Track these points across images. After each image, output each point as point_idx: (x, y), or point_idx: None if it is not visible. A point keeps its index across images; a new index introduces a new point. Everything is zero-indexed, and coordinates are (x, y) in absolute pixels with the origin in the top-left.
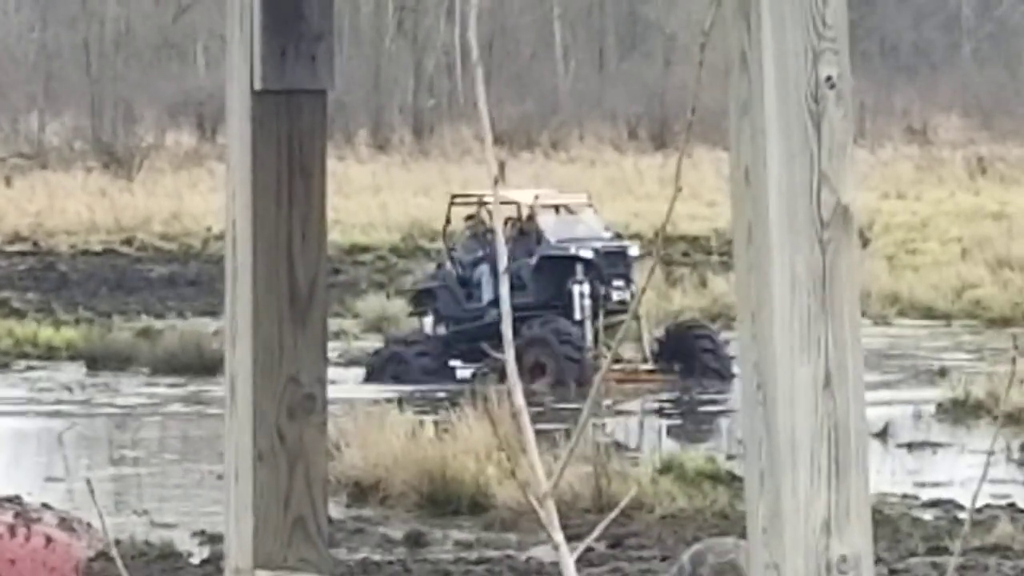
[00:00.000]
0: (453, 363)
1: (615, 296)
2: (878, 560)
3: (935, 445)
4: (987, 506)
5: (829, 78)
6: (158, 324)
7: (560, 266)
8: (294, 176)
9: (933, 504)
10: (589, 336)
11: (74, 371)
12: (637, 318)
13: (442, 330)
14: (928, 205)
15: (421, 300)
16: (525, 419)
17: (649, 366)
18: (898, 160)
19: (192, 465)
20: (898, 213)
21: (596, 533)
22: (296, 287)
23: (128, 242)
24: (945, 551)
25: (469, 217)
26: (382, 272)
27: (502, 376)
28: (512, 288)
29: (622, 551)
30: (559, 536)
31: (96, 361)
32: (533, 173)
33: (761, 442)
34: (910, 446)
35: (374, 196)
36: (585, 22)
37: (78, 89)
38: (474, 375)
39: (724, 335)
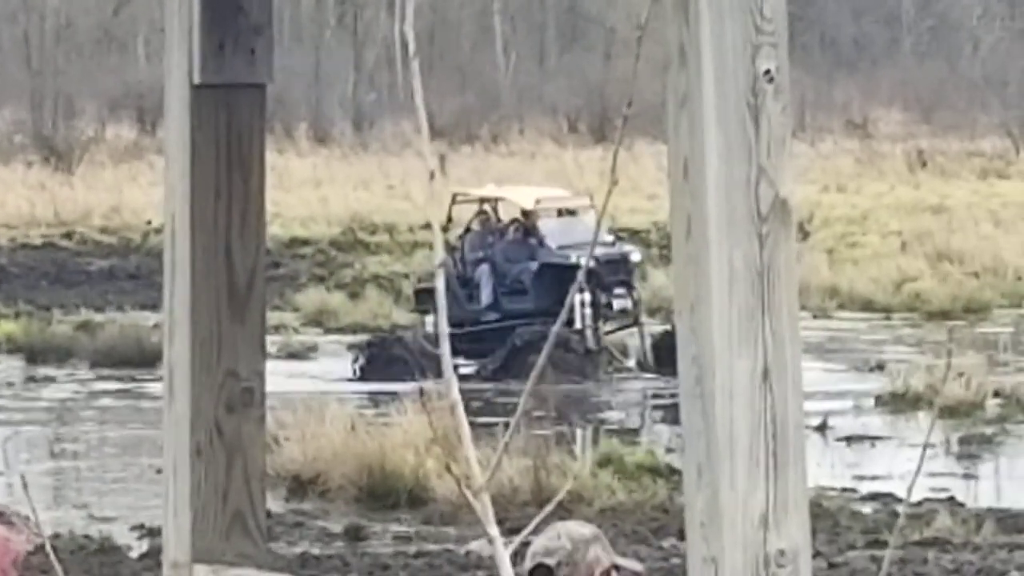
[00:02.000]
0: (456, 364)
1: (616, 304)
2: (817, 554)
3: (874, 438)
4: (926, 499)
5: (768, 72)
6: (98, 318)
7: (561, 274)
8: (233, 170)
9: (872, 497)
10: (591, 344)
11: (13, 364)
12: (638, 324)
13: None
14: (868, 199)
15: (422, 299)
16: (461, 413)
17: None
18: (838, 154)
19: (131, 459)
20: (838, 206)
21: (531, 526)
22: (234, 281)
23: (68, 236)
24: (884, 544)
25: (479, 213)
26: (322, 265)
27: (496, 375)
28: (513, 293)
29: None
30: (494, 530)
31: (36, 355)
32: (473, 167)
33: (699, 436)
34: (849, 439)
35: (314, 189)
36: (525, 15)
37: (18, 82)
38: (478, 372)
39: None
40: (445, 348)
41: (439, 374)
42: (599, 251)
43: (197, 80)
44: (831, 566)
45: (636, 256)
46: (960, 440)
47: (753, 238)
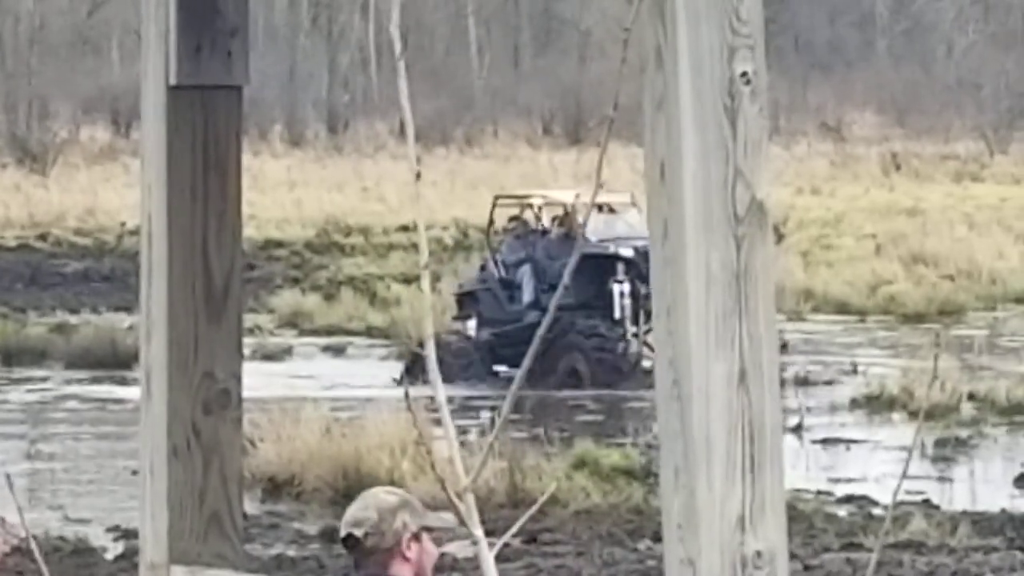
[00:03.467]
0: (497, 367)
1: None
2: (793, 556)
3: (849, 441)
4: (901, 502)
5: (744, 74)
6: (72, 319)
7: (600, 265)
8: (209, 171)
9: (847, 500)
10: (630, 334)
11: None
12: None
13: (485, 334)
14: (842, 201)
15: (464, 303)
16: (446, 415)
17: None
18: (813, 156)
19: (107, 460)
20: (812, 209)
21: (515, 528)
22: (211, 282)
23: (43, 237)
24: (859, 547)
25: (513, 218)
26: (297, 267)
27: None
28: (552, 288)
29: (536, 546)
30: (479, 531)
31: (10, 356)
32: (448, 169)
33: (676, 438)
34: (825, 442)
35: (289, 191)
36: (500, 18)
37: None
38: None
39: None
40: (430, 348)
41: (478, 377)
42: (639, 243)
43: (173, 82)
44: (806, 568)
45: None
46: (935, 443)
47: (730, 240)
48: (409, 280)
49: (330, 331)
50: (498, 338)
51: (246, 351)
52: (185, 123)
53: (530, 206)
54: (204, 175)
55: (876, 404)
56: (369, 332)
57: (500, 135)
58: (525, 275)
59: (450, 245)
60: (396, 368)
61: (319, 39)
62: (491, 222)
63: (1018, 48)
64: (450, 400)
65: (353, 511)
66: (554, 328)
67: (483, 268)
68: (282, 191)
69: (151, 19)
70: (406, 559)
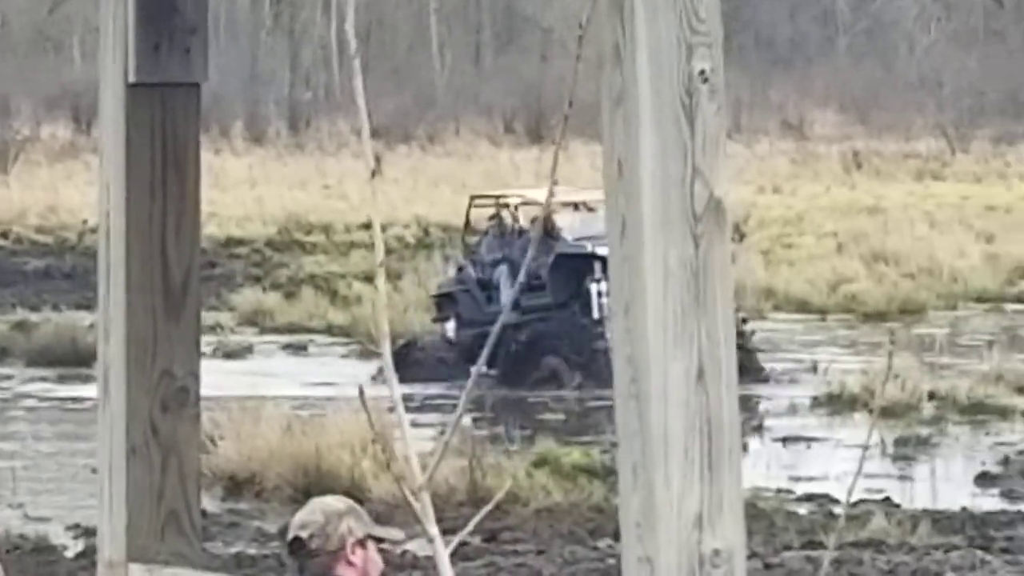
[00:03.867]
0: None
1: None
2: (753, 554)
3: (810, 439)
4: (862, 500)
5: (702, 72)
6: (33, 317)
7: (577, 264)
8: (168, 169)
9: (808, 498)
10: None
11: None
12: None
13: (464, 335)
14: (803, 200)
15: (442, 305)
16: (402, 412)
17: None
18: (773, 155)
19: (67, 458)
20: (773, 207)
21: (471, 526)
22: (170, 280)
23: (4, 235)
24: (820, 545)
25: (491, 217)
26: (258, 265)
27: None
28: (531, 289)
29: (497, 545)
30: (434, 529)
31: None
32: (410, 167)
33: (635, 436)
34: (785, 440)
35: (250, 189)
36: (462, 16)
37: None
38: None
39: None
40: (385, 348)
41: (458, 378)
42: None
43: (132, 79)
44: (767, 567)
45: None
46: (896, 441)
47: (688, 238)
48: (370, 278)
49: (291, 329)
50: (477, 339)
51: (207, 349)
52: (144, 121)
53: (507, 206)
54: (163, 173)
55: (837, 402)
56: (330, 330)
57: (462, 133)
58: (502, 275)
59: (412, 243)
60: (358, 366)
61: (281, 36)
62: (467, 223)
63: (980, 46)
64: (428, 401)
65: (300, 515)
66: (532, 328)
67: (461, 269)
68: (243, 189)
69: (110, 17)
70: (351, 564)
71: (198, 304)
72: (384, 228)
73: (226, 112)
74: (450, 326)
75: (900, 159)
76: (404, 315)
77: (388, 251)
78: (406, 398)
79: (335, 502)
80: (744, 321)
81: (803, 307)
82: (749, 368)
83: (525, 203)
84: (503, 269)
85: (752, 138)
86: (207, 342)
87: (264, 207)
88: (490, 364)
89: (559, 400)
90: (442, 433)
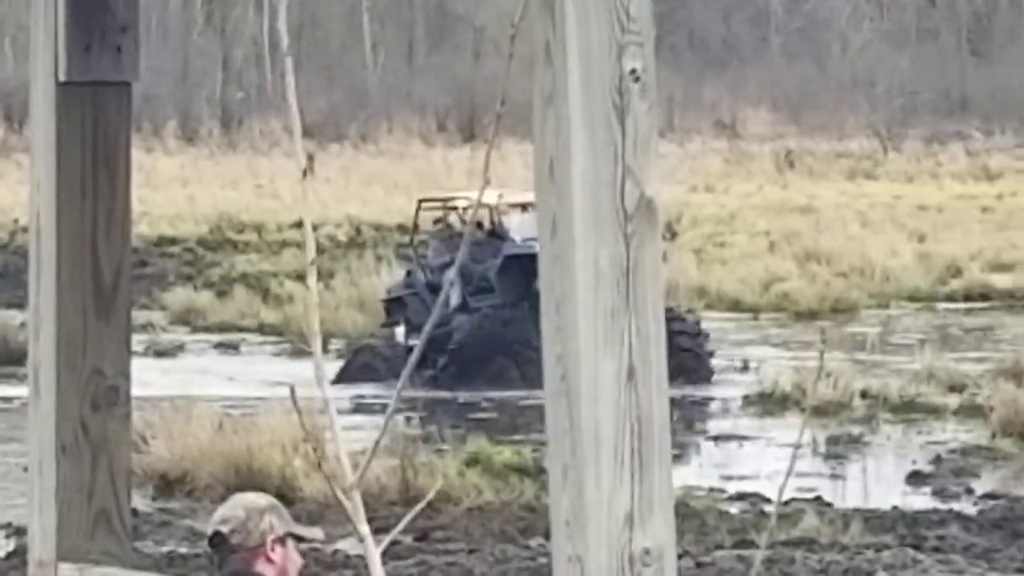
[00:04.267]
0: (427, 372)
1: None
2: (685, 553)
3: (742, 438)
4: (793, 499)
5: (633, 71)
6: None
7: (525, 265)
8: (98, 168)
9: (740, 497)
10: None
11: None
12: None
13: (414, 340)
14: (736, 199)
15: (392, 309)
16: (333, 412)
17: None
18: (707, 154)
19: None
20: (706, 206)
21: (401, 525)
22: (100, 279)
23: None
24: (751, 544)
25: (437, 221)
26: (190, 264)
27: (453, 377)
28: (481, 291)
29: (428, 544)
30: (365, 528)
31: None
32: (342, 166)
33: (565, 435)
34: (717, 439)
35: (182, 188)
36: (394, 14)
37: None
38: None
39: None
40: (316, 347)
41: (408, 381)
42: None
43: (63, 78)
44: (699, 565)
45: None
46: (827, 440)
47: (619, 237)
48: (302, 277)
49: (223, 328)
50: (428, 343)
51: (138, 348)
52: (75, 120)
53: (455, 208)
54: (93, 171)
55: (769, 401)
56: (262, 329)
57: (394, 132)
58: (451, 278)
59: (344, 242)
60: (289, 365)
61: (213, 36)
62: (415, 226)
63: (912, 46)
64: (379, 403)
65: (221, 510)
66: (482, 330)
67: (409, 274)
68: (175, 188)
69: (41, 16)
70: (270, 560)
71: (128, 303)
72: (316, 227)
73: (158, 111)
74: (400, 330)
75: (832, 158)
76: (336, 314)
77: (320, 250)
78: (357, 402)
79: (257, 498)
80: (698, 323)
81: (735, 306)
82: (699, 369)
83: (472, 205)
84: (452, 272)
85: (685, 137)
86: (139, 341)
87: (196, 206)
88: (441, 366)
89: (499, 400)
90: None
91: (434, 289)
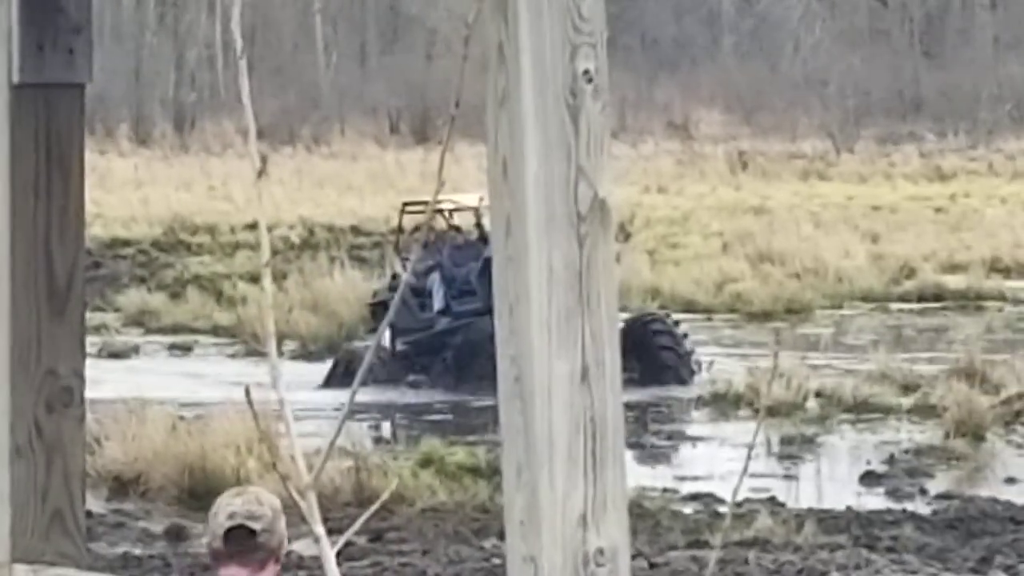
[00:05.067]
0: (412, 377)
1: None
2: (639, 554)
3: (695, 439)
4: (747, 500)
5: (586, 72)
6: None
7: None
8: (52, 170)
9: (693, 498)
10: None
11: None
12: None
13: (400, 344)
14: (689, 199)
15: (377, 314)
16: (288, 412)
17: None
18: (659, 155)
19: None
20: (659, 207)
21: (356, 526)
22: (54, 280)
23: None
24: (705, 545)
25: (417, 228)
26: (143, 266)
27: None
28: (462, 295)
29: (383, 545)
30: (320, 529)
31: None
32: (295, 167)
33: (519, 435)
34: (671, 439)
35: (136, 190)
36: (346, 16)
37: None
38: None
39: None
40: (271, 348)
41: (392, 386)
42: None
43: (16, 80)
44: (652, 566)
45: None
46: (781, 440)
47: (572, 238)
48: (256, 279)
49: (176, 329)
50: (411, 347)
51: (92, 350)
52: (27, 121)
53: (439, 211)
54: (47, 173)
55: (722, 402)
56: (215, 331)
57: (347, 133)
58: (434, 282)
59: (297, 244)
60: (242, 366)
61: (166, 37)
62: (400, 230)
63: (864, 46)
64: (361, 408)
65: (244, 504)
66: (465, 334)
67: (395, 277)
68: (129, 190)
69: None
70: (276, 566)
71: (82, 304)
72: (270, 229)
73: (112, 113)
74: (385, 335)
75: (785, 159)
76: (289, 315)
77: (273, 252)
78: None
79: (272, 497)
80: (677, 324)
81: (689, 307)
82: (680, 368)
83: (457, 209)
84: (435, 276)
85: (638, 138)
86: (92, 343)
87: (150, 208)
88: (425, 370)
89: (452, 402)
90: (387, 441)
91: (418, 293)
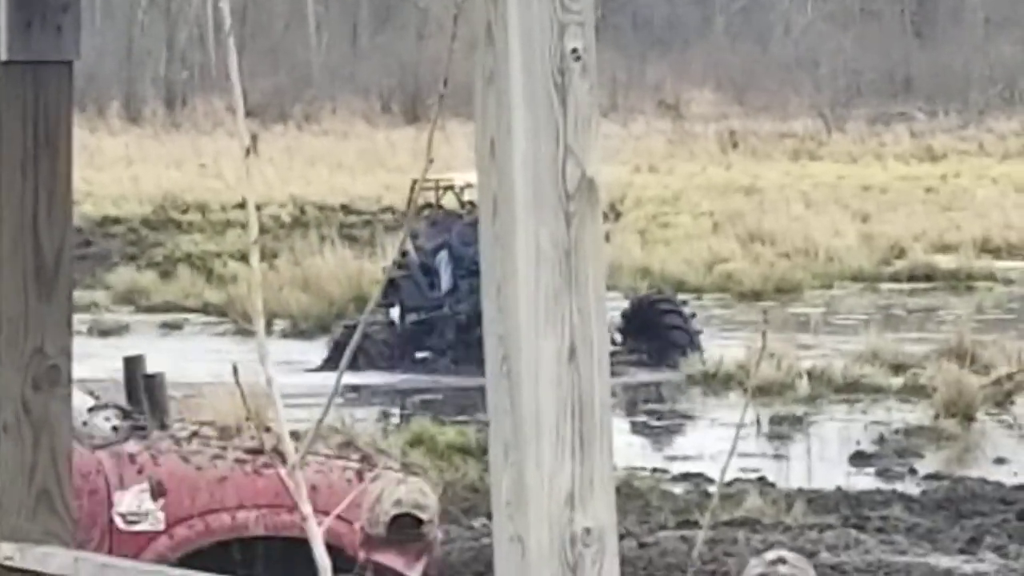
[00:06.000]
0: (420, 354)
1: None
2: (628, 534)
3: (685, 418)
4: (737, 480)
5: (575, 51)
6: None
7: None
8: (39, 147)
9: (683, 478)
10: None
11: None
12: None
13: (408, 321)
14: (680, 179)
15: (386, 291)
16: (276, 391)
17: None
18: (650, 134)
19: None
20: (650, 187)
21: (343, 506)
22: (41, 259)
23: None
24: (695, 525)
25: (428, 204)
26: (133, 244)
27: (455, 360)
28: (470, 275)
29: None
30: (307, 508)
31: None
32: (285, 146)
33: (506, 415)
34: (661, 419)
35: (126, 168)
36: None
37: None
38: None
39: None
40: (259, 325)
41: (400, 365)
42: None
43: (4, 57)
44: (642, 546)
45: None
46: (771, 420)
47: (560, 217)
48: (246, 257)
49: (167, 308)
50: (420, 325)
51: (82, 328)
52: (16, 99)
53: (451, 188)
54: (35, 151)
55: (712, 381)
56: (206, 309)
57: (338, 112)
58: (443, 261)
59: (288, 222)
60: (232, 344)
61: (157, 15)
62: (410, 205)
63: (855, 26)
64: (365, 387)
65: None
66: (471, 312)
67: (404, 255)
68: (119, 168)
69: None
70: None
71: (70, 282)
72: (260, 207)
73: (102, 91)
74: (394, 312)
75: (776, 139)
76: (279, 294)
77: (263, 230)
78: (349, 387)
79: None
80: (684, 303)
81: (679, 286)
82: (688, 346)
83: (470, 185)
84: (443, 255)
85: (628, 118)
86: (82, 321)
87: (140, 186)
88: (433, 349)
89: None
90: (388, 418)
91: (427, 271)
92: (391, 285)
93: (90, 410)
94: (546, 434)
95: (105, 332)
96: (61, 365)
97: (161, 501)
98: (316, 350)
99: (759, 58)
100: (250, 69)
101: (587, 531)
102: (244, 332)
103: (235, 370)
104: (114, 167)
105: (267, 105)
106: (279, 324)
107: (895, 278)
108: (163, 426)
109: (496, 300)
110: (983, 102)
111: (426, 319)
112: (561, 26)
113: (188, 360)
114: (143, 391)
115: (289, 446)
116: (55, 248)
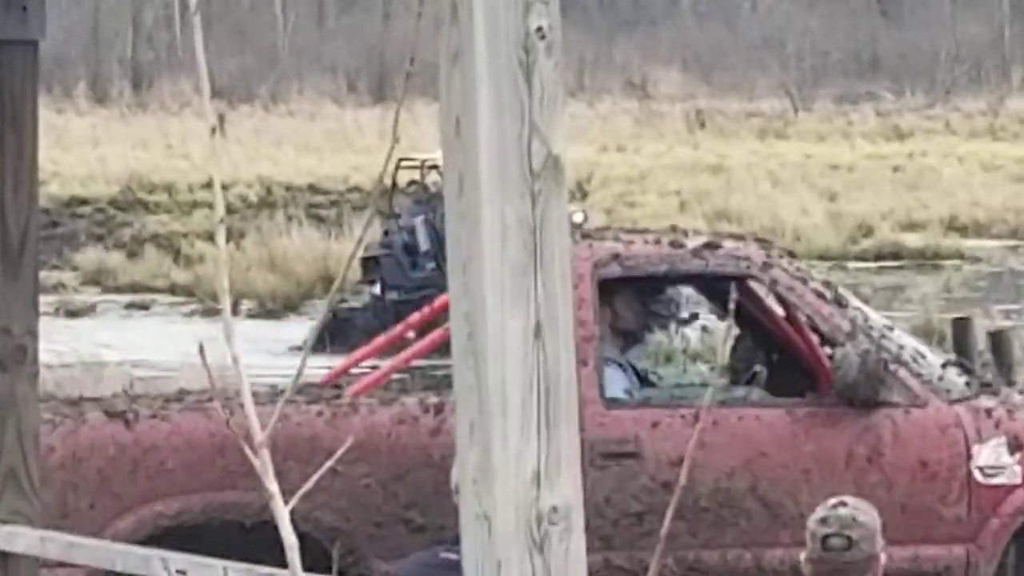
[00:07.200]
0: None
1: None
2: None
3: None
4: None
5: (540, 29)
6: None
7: None
8: (5, 128)
9: None
10: None
11: None
12: None
13: (389, 299)
14: (647, 159)
15: (369, 269)
16: (242, 369)
17: None
18: (617, 114)
19: None
20: (617, 166)
21: (310, 484)
22: (7, 238)
23: None
24: None
25: (412, 182)
26: (101, 225)
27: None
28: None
29: None
30: (274, 486)
31: None
32: (253, 127)
33: (472, 392)
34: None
35: (93, 149)
36: None
37: None
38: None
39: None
40: (226, 304)
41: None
42: None
43: None
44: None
45: (579, 216)
46: None
47: (525, 195)
48: (213, 237)
49: (134, 288)
50: (402, 304)
51: (49, 309)
52: None
53: (435, 167)
54: (0, 131)
55: (680, 360)
56: (173, 290)
57: (305, 92)
58: (423, 240)
59: (255, 202)
60: (200, 325)
61: None
62: (394, 185)
63: (822, 5)
64: (352, 367)
65: (838, 511)
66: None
67: (387, 233)
68: (86, 148)
69: None
70: None
71: (36, 263)
72: (226, 187)
73: (69, 72)
74: (376, 290)
75: (743, 118)
76: (246, 274)
77: (231, 210)
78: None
79: (873, 509)
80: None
81: None
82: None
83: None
84: (424, 234)
85: (595, 97)
86: (49, 302)
87: (107, 166)
88: (417, 331)
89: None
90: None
91: (409, 250)
92: (373, 263)
93: (943, 366)
94: (512, 412)
95: (73, 313)
96: (27, 345)
97: (1018, 455)
98: (287, 330)
99: (726, 37)
100: (216, 49)
101: (554, 509)
102: (211, 312)
103: (201, 349)
104: (81, 147)
105: (234, 85)
106: (247, 304)
107: (862, 257)
108: (1010, 382)
109: (462, 278)
110: (949, 81)
111: (408, 299)
112: (526, 4)
113: (156, 340)
114: (989, 349)
115: (256, 425)
116: (20, 228)
